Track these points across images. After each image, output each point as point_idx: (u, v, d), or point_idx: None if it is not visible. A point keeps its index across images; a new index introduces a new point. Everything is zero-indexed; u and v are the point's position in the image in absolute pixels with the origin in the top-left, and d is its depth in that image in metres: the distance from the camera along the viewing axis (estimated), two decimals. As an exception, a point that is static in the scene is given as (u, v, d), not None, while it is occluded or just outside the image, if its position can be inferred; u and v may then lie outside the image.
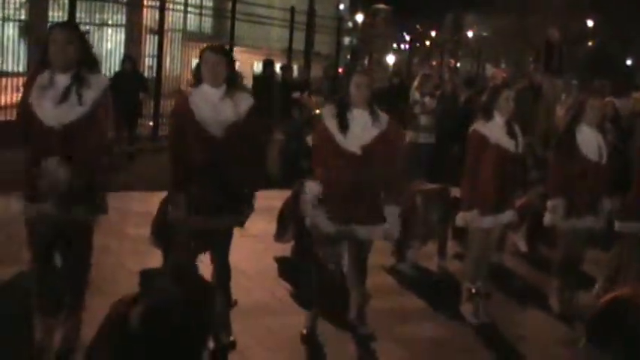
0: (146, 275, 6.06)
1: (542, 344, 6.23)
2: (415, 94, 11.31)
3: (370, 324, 5.97)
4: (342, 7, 58.22)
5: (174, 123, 5.48)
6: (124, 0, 19.37)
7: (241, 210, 5.30)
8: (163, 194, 5.69)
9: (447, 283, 7.37)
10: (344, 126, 5.54)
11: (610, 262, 7.29)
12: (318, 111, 15.10)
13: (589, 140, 6.61)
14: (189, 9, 19.84)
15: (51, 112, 4.72)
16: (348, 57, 34.25)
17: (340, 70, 22.84)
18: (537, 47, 11.73)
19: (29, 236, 4.95)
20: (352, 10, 66.16)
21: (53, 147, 4.71)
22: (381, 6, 57.06)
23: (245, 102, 5.27)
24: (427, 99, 11.22)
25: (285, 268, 7.25)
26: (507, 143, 6.29)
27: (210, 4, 24.71)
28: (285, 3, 22.75)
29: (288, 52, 19.90)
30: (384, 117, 5.67)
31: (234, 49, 17.71)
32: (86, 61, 4.88)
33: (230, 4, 18.54)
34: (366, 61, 34.25)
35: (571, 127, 6.69)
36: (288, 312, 6.19)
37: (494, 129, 6.29)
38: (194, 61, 24.80)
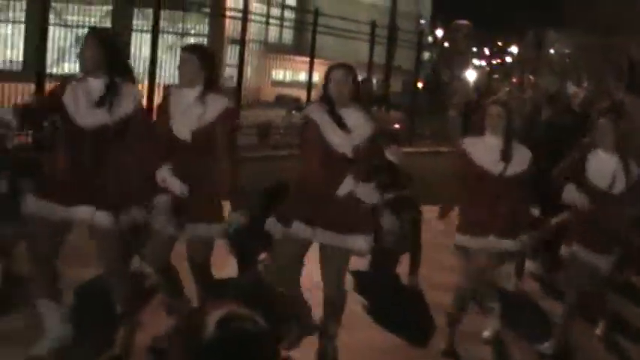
0: (219, 285, 6.08)
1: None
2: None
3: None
4: (422, 21, 58.04)
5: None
6: (207, 10, 19.65)
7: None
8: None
9: (525, 302, 7.22)
10: None
11: None
12: (397, 125, 15.03)
13: (602, 167, 5.96)
14: (271, 20, 20.04)
15: (85, 113, 4.78)
16: (429, 72, 34.15)
17: (420, 84, 22.73)
18: (621, 66, 11.40)
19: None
20: (432, 24, 65.91)
21: (84, 148, 4.78)
22: (462, 22, 56.65)
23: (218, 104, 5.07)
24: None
25: (361, 281, 7.20)
26: (490, 164, 5.78)
27: (292, 16, 24.93)
28: (366, 17, 22.78)
29: (369, 66, 19.90)
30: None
31: (315, 60, 17.84)
32: (116, 67, 4.87)
33: (311, 17, 18.67)
34: (446, 78, 34.00)
35: (584, 152, 6.12)
36: (363, 327, 6.10)
37: (481, 147, 5.86)
38: (274, 72, 25.01)
